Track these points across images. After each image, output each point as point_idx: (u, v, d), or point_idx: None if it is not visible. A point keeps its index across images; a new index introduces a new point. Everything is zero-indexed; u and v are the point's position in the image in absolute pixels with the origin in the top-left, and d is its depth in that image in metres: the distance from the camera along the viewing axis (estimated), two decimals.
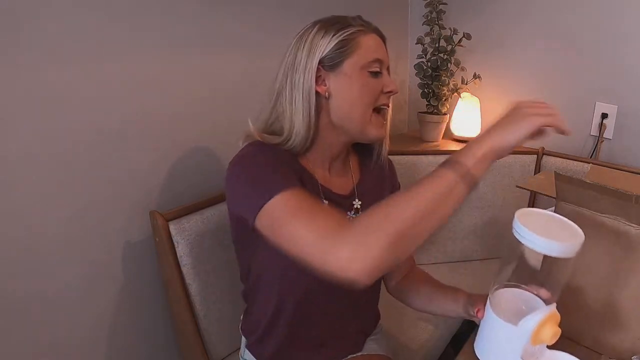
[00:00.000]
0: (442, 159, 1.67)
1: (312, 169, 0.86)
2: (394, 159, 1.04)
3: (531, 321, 0.63)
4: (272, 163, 0.75)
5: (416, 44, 1.62)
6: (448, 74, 1.60)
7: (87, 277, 0.95)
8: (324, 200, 0.85)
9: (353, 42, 0.80)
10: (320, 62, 0.81)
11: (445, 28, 1.58)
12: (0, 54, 0.76)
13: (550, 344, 0.64)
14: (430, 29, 1.58)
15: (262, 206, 0.67)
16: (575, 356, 0.66)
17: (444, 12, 1.59)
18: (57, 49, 0.83)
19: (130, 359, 1.06)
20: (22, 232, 0.84)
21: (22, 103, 0.80)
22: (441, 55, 1.58)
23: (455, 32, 1.55)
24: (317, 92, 0.81)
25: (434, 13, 1.57)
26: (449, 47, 1.58)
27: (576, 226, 0.64)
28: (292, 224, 0.64)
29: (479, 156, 0.60)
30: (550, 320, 0.64)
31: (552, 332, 0.63)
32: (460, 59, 1.60)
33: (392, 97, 0.85)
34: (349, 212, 0.89)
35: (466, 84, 1.62)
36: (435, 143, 1.65)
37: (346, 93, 0.81)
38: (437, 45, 1.59)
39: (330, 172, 0.89)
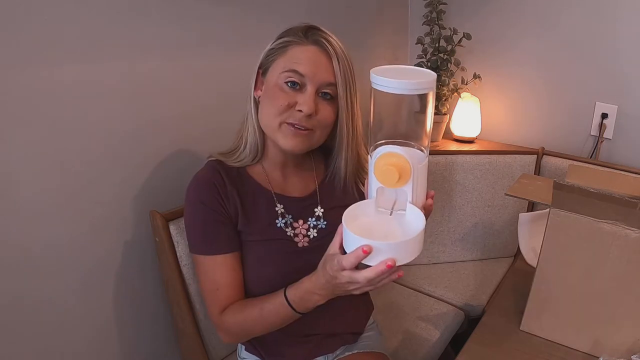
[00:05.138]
0: (441, 159, 1.66)
1: (264, 177, 0.88)
2: None
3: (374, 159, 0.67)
4: (203, 216, 0.82)
5: (416, 44, 1.62)
6: (448, 74, 1.61)
7: (86, 277, 0.95)
8: (278, 204, 0.87)
9: (281, 49, 0.81)
10: (260, 67, 0.84)
11: (445, 28, 1.58)
12: (1, 55, 0.76)
13: (382, 181, 0.66)
14: (430, 29, 1.58)
15: (189, 248, 0.87)
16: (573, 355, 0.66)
17: (444, 12, 1.59)
18: (56, 49, 0.83)
19: (130, 359, 1.06)
20: (20, 232, 0.84)
21: (21, 104, 0.80)
22: (441, 55, 1.58)
23: (455, 32, 1.55)
24: (254, 97, 0.85)
25: (434, 13, 1.57)
26: (449, 47, 1.58)
27: (428, 70, 0.67)
28: (199, 283, 0.88)
29: (311, 306, 0.77)
30: (385, 157, 0.66)
31: (381, 167, 0.65)
32: (460, 59, 1.60)
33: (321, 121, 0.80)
34: (310, 219, 0.89)
35: (466, 84, 1.63)
36: (435, 143, 1.65)
37: (263, 99, 0.82)
38: (437, 45, 1.59)
39: (286, 177, 0.90)
